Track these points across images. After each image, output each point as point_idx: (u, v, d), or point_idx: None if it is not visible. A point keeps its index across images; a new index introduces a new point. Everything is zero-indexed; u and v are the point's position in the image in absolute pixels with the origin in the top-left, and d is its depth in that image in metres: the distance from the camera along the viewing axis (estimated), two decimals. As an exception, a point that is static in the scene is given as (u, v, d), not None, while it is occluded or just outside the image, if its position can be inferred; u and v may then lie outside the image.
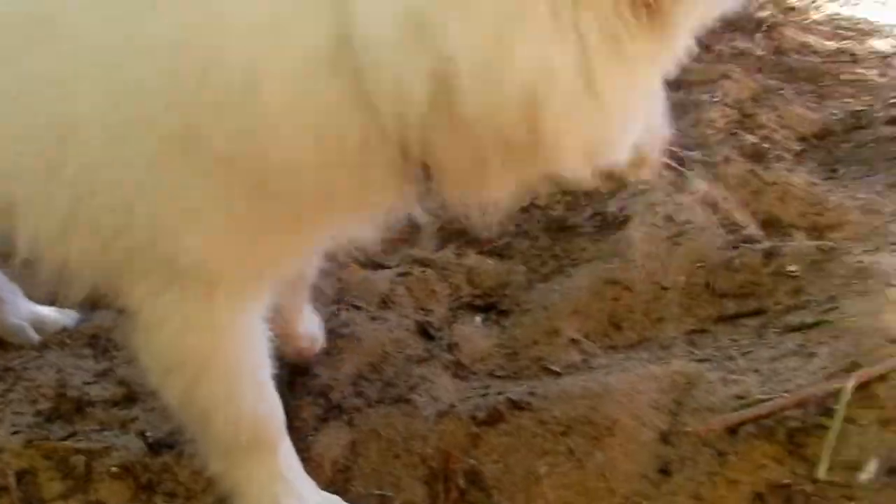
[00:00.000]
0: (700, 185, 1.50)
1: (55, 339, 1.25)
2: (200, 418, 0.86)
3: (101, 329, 1.26)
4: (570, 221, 1.46)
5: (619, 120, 0.67)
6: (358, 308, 1.28)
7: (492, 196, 0.76)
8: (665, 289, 1.27)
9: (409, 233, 1.49)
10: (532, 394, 1.06)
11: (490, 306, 1.27)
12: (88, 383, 1.13)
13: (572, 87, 0.63)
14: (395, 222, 0.86)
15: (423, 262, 1.38)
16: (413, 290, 1.30)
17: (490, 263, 1.38)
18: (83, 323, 1.28)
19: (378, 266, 1.39)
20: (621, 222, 1.38)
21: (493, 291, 1.31)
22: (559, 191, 1.60)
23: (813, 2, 2.91)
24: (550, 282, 1.29)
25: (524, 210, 1.52)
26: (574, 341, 1.19)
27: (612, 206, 1.47)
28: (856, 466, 0.92)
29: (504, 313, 1.26)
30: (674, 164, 1.62)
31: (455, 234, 1.48)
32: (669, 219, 1.37)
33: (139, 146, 0.71)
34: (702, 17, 0.70)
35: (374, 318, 1.24)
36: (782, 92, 2.03)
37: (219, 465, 0.91)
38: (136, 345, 0.83)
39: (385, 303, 1.27)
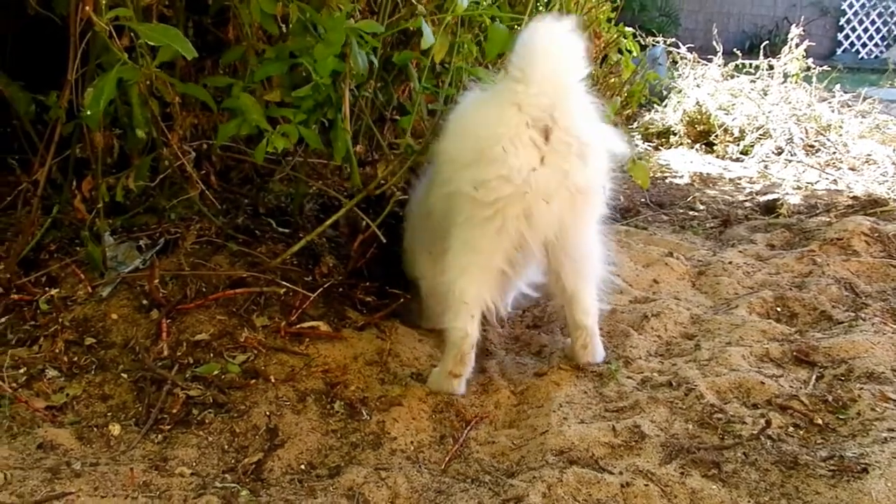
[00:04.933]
0: (957, 443, 1.41)
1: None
2: None
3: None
4: (802, 459, 1.43)
5: None
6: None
7: None
8: (910, 553, 1.19)
9: (636, 441, 1.56)
10: None
11: (713, 534, 1.28)
12: None
13: None
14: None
15: (647, 475, 1.42)
16: None
17: (714, 489, 1.39)
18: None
19: (602, 469, 1.46)
20: (861, 470, 1.34)
21: (716, 519, 1.32)
22: (792, 423, 1.60)
23: None
24: (780, 521, 1.27)
25: (753, 438, 1.53)
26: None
27: (850, 450, 1.43)
28: None
29: (727, 544, 1.25)
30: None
31: (681, 450, 1.52)
32: (918, 476, 1.30)
33: None
34: None
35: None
36: None
37: None
38: None
39: (608, 510, 1.33)
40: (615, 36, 3.68)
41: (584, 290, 1.82)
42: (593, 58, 3.50)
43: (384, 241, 1.99)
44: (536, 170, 1.56)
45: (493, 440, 1.65)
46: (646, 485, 1.39)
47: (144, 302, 1.98)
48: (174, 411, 1.68)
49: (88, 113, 1.59)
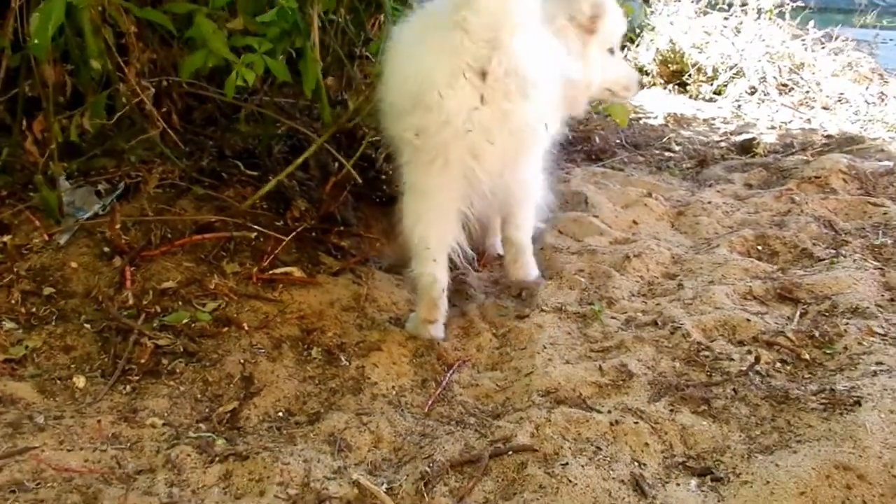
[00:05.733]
0: (946, 374, 1.40)
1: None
2: None
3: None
4: (793, 393, 1.42)
5: None
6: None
7: None
8: (905, 484, 1.18)
9: (623, 380, 1.53)
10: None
11: (705, 471, 1.25)
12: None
13: None
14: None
15: (636, 413, 1.40)
16: (626, 441, 1.32)
17: (704, 425, 1.37)
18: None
19: (590, 408, 1.43)
20: (853, 403, 1.32)
21: (707, 455, 1.30)
22: (779, 358, 1.58)
23: None
24: (773, 455, 1.25)
25: (742, 374, 1.51)
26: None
27: (841, 384, 1.41)
28: None
29: (720, 480, 1.23)
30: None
31: (669, 387, 1.49)
32: (911, 408, 1.29)
33: None
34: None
35: (585, 465, 1.26)
36: None
37: None
38: None
39: (599, 449, 1.30)
40: (590, -30, 3.54)
41: (520, 208, 1.86)
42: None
43: (359, 181, 1.90)
44: (478, 108, 1.54)
45: (476, 383, 1.61)
46: (635, 422, 1.36)
47: (106, 249, 1.87)
48: (142, 361, 1.60)
49: (36, 41, 1.46)
